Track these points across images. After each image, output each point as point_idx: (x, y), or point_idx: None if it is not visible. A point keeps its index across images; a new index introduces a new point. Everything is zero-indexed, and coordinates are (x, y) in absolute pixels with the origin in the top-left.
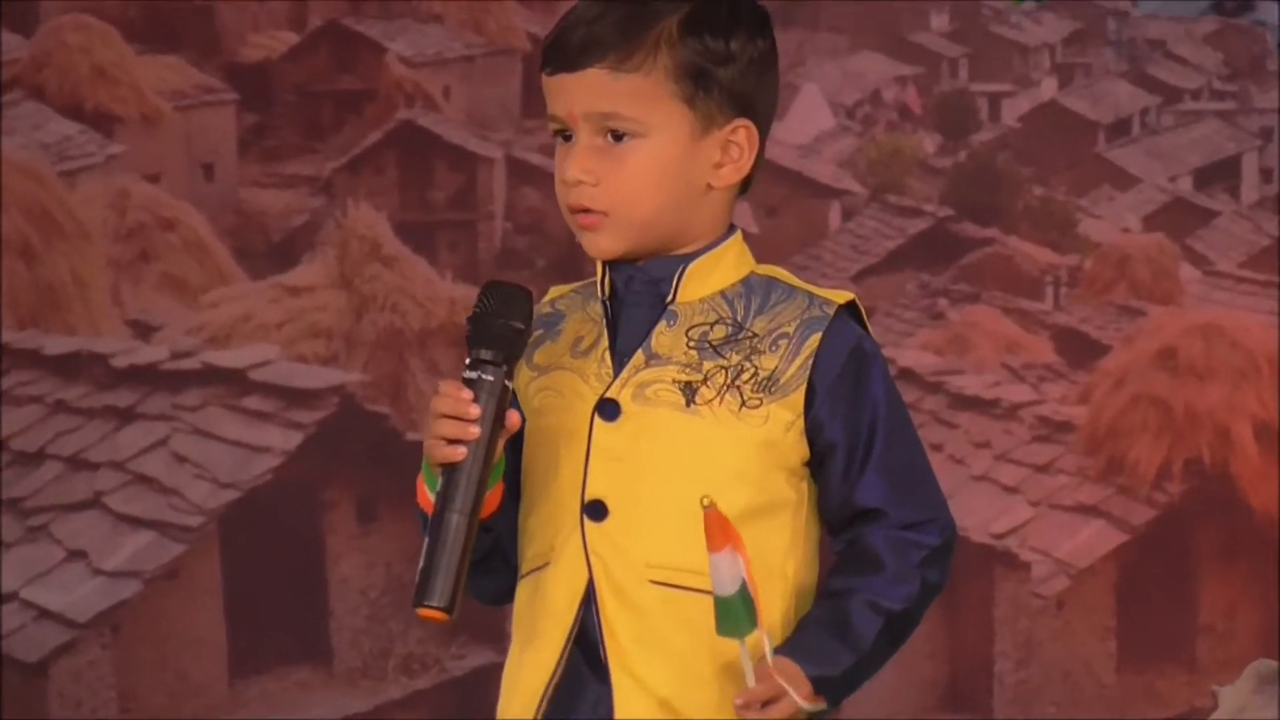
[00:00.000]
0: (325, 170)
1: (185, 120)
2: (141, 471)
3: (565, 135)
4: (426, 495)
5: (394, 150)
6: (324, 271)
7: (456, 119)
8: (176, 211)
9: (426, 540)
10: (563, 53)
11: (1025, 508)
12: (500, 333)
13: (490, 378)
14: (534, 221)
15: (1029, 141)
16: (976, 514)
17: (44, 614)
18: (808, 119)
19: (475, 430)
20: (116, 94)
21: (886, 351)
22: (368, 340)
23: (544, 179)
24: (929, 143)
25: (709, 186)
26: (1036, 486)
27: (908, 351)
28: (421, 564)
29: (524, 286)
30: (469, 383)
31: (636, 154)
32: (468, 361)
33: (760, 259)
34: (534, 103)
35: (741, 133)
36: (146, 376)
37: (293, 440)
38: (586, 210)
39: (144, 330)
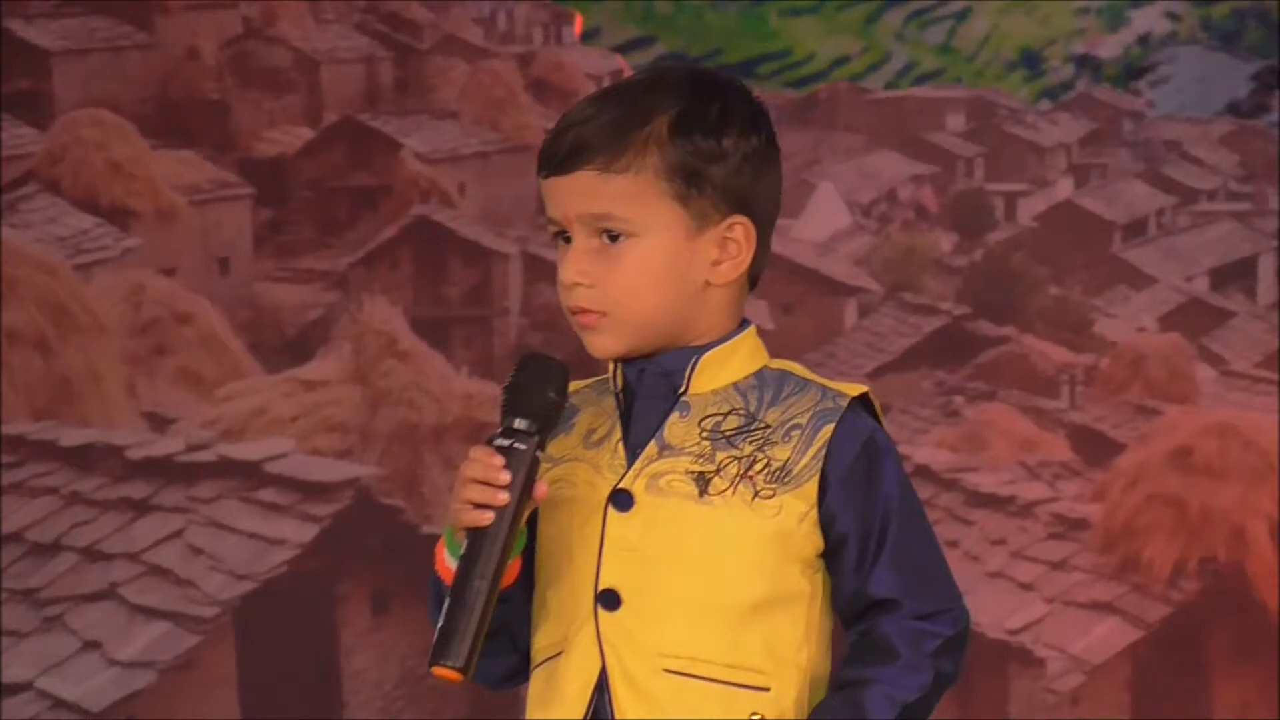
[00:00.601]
0: (340, 265)
1: (201, 215)
2: (157, 563)
3: (565, 237)
4: (445, 561)
5: (409, 245)
6: (339, 366)
7: (472, 215)
8: (192, 305)
9: (448, 602)
10: (554, 156)
11: (1040, 604)
12: (536, 404)
13: (523, 446)
14: (549, 317)
15: (1045, 241)
16: (991, 610)
17: (59, 703)
18: (824, 217)
19: (504, 497)
20: (132, 188)
21: (902, 448)
22: (383, 434)
23: None
24: (945, 241)
25: (707, 283)
26: (1051, 583)
27: (923, 449)
28: (441, 624)
29: (560, 361)
30: (500, 450)
31: (631, 254)
32: (500, 430)
33: (776, 355)
34: None
35: (738, 229)
36: (162, 469)
37: (308, 533)
38: (584, 311)
39: (159, 423)
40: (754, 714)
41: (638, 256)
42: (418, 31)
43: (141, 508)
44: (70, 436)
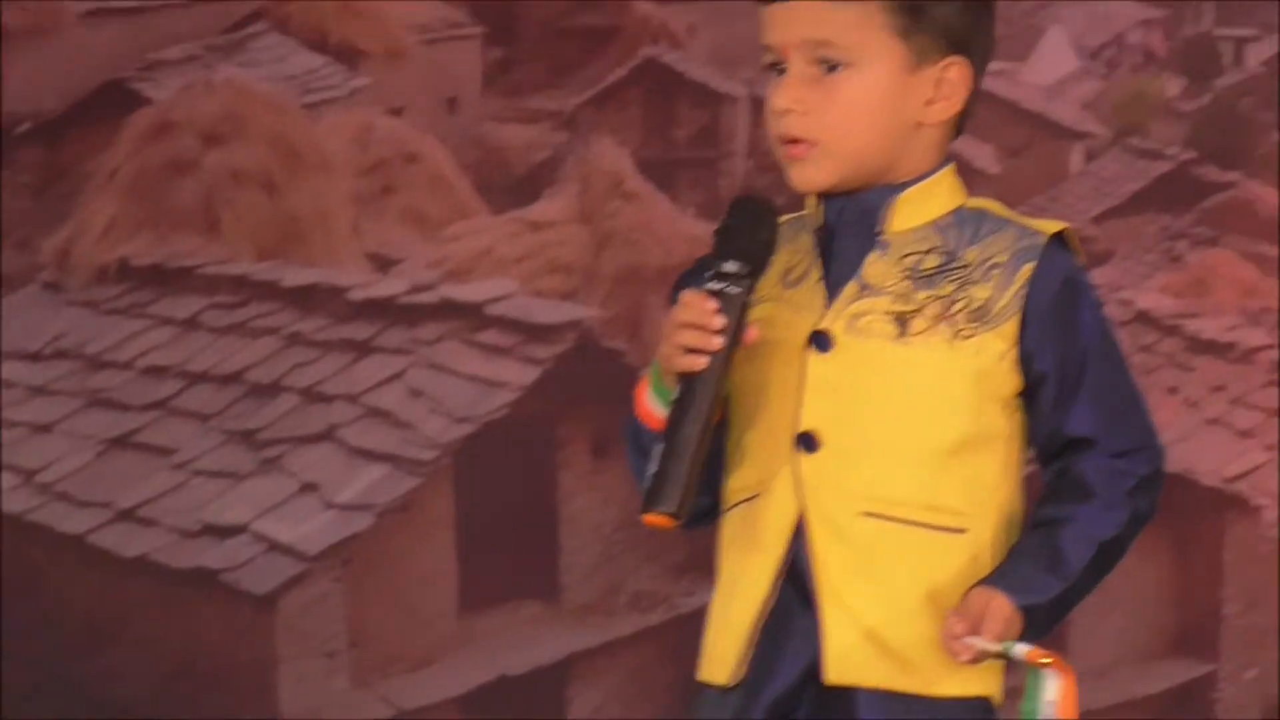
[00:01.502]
0: (569, 106)
1: (430, 54)
2: (376, 405)
3: (779, 69)
4: (649, 405)
5: (638, 87)
6: (565, 207)
7: (701, 57)
8: (419, 145)
9: (661, 448)
10: None
11: (1259, 452)
12: (747, 246)
13: (735, 290)
14: (776, 161)
15: (1273, 86)
16: (1210, 458)
17: (274, 546)
18: (1052, 61)
19: (718, 341)
20: (361, 28)
21: (1125, 294)
22: (607, 276)
23: None
24: (1173, 86)
25: (919, 123)
26: (1270, 431)
27: (1146, 294)
28: (654, 469)
29: (771, 203)
30: (712, 294)
31: (848, 85)
32: (710, 273)
33: (1002, 200)
34: None
35: (954, 70)
36: (384, 310)
37: (529, 376)
38: (795, 140)
39: (384, 263)
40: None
41: (855, 87)
42: None
43: (363, 349)
44: (294, 276)
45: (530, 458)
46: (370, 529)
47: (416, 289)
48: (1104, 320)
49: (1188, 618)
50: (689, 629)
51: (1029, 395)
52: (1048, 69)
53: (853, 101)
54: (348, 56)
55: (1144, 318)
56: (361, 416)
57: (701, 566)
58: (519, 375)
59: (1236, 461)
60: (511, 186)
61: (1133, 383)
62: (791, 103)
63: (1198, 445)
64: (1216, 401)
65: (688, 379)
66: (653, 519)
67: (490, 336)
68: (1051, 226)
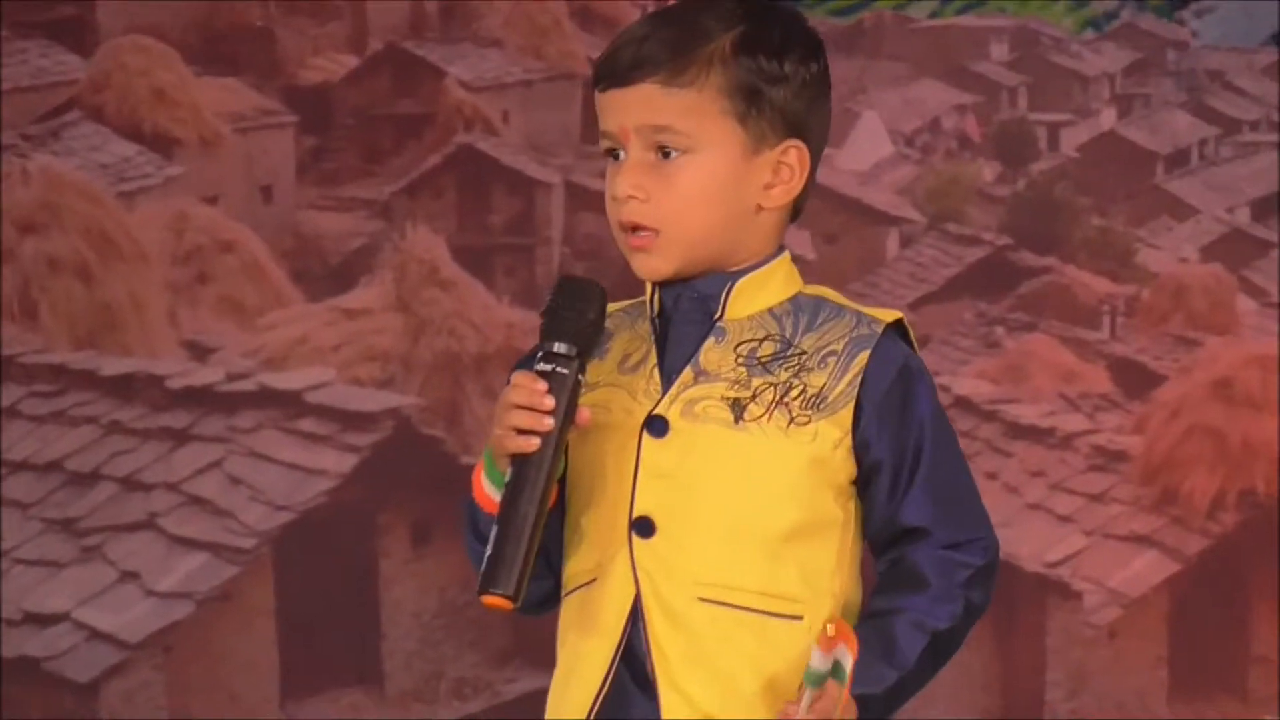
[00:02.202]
0: (384, 193)
1: (244, 142)
2: (196, 493)
3: (615, 154)
4: (485, 488)
5: (452, 174)
6: (381, 295)
7: (515, 143)
8: (234, 233)
9: (495, 530)
10: (616, 68)
11: (1079, 537)
12: (575, 326)
13: (564, 371)
14: (592, 247)
15: (1088, 171)
16: (1030, 543)
17: (96, 634)
18: (867, 146)
19: (549, 422)
20: (176, 116)
21: (943, 380)
22: (424, 364)
23: (602, 204)
24: (988, 171)
25: (759, 207)
26: (1090, 516)
27: (964, 380)
28: (489, 552)
29: (598, 282)
30: (543, 375)
31: (687, 170)
32: (540, 354)
33: (819, 285)
34: (593, 128)
35: (793, 154)
36: (202, 398)
37: (347, 463)
38: (637, 228)
39: (200, 352)
40: (827, 624)
41: (694, 173)
42: None
43: (181, 437)
44: (111, 365)
45: (350, 545)
46: (191, 617)
47: (233, 377)
48: (939, 409)
49: (1010, 704)
50: (511, 716)
51: (863, 483)
52: (863, 155)
53: (692, 187)
54: (162, 145)
55: (962, 403)
56: (181, 504)
57: (525, 653)
58: (337, 463)
59: (1057, 547)
60: (327, 274)
61: (967, 472)
62: (631, 189)
63: (1018, 531)
64: (1036, 487)
65: (520, 461)
66: (490, 601)
67: (308, 424)
68: (887, 315)
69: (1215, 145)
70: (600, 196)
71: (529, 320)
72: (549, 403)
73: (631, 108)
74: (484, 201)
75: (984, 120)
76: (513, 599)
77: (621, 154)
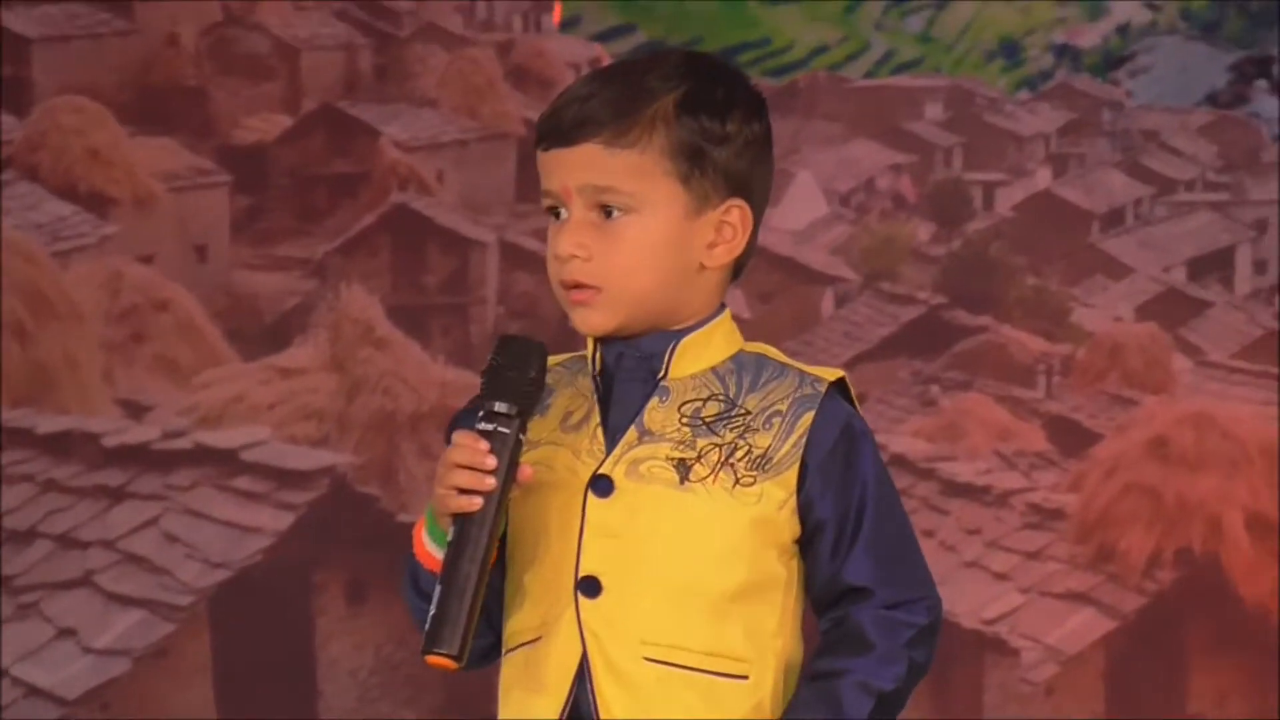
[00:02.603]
0: (318, 253)
1: (179, 202)
2: (132, 551)
3: (557, 213)
4: (426, 546)
5: (387, 234)
6: (316, 354)
7: (450, 203)
8: (169, 293)
9: (438, 590)
10: (559, 127)
11: (1015, 594)
12: (516, 385)
13: (506, 430)
14: (527, 306)
15: (1023, 230)
16: (967, 600)
17: (33, 691)
18: (802, 206)
19: (491, 481)
20: (110, 175)
21: (879, 438)
22: (359, 422)
23: (537, 263)
24: (923, 231)
25: (701, 266)
26: (1027, 573)
27: (900, 438)
28: (432, 611)
29: (539, 341)
30: (484, 434)
31: (629, 230)
32: (480, 414)
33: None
34: (528, 187)
35: (735, 213)
36: (138, 456)
37: (284, 521)
38: (579, 285)
39: (136, 410)
40: None
41: (637, 233)
42: (397, 19)
43: (117, 495)
44: (46, 424)
45: (286, 602)
46: (128, 674)
47: (169, 435)
48: (882, 468)
49: None
50: None
51: (806, 542)
52: (798, 214)
53: (635, 247)
54: (97, 204)
55: (898, 461)
56: (117, 562)
57: (459, 710)
58: (273, 521)
59: (994, 604)
60: (262, 333)
61: (911, 532)
62: (574, 248)
63: (955, 589)
64: (973, 544)
65: (463, 519)
66: (435, 660)
67: (244, 482)
68: (829, 374)
69: (1150, 204)
70: (535, 256)
71: (464, 379)
72: (491, 462)
73: (574, 167)
74: (419, 260)
75: (919, 180)
76: (457, 658)
77: (563, 212)
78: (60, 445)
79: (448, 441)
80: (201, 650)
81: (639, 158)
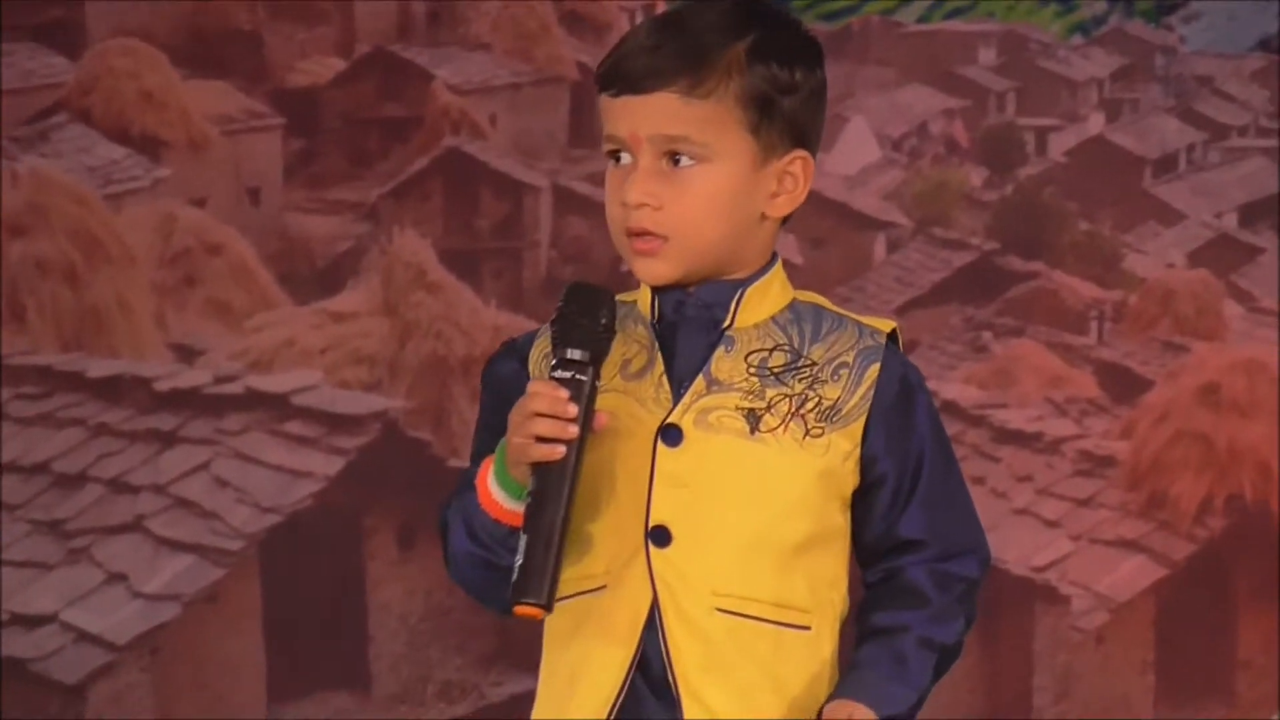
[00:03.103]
0: (371, 197)
1: (232, 145)
2: (183, 495)
3: (618, 157)
4: (494, 495)
5: (439, 178)
6: (368, 298)
7: (503, 147)
8: (222, 236)
9: (524, 539)
10: (630, 75)
11: (1066, 542)
12: (589, 333)
13: (582, 377)
14: (579, 250)
15: (1075, 176)
16: (1017, 547)
17: (83, 636)
18: (854, 151)
19: (574, 429)
20: (163, 118)
21: (930, 384)
22: (411, 367)
23: (590, 208)
24: (975, 176)
25: (763, 216)
26: (1077, 521)
27: (951, 385)
28: (519, 561)
29: (608, 289)
30: (561, 382)
31: (700, 179)
32: (554, 361)
33: (806, 289)
34: (581, 132)
35: (798, 164)
36: (189, 401)
37: (334, 466)
38: (646, 234)
39: (187, 354)
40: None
41: (707, 182)
42: None
43: (168, 440)
44: (98, 367)
45: (337, 548)
46: (178, 619)
47: (221, 380)
48: (937, 421)
49: (997, 707)
50: (498, 718)
51: (862, 494)
52: (851, 159)
53: (706, 197)
54: (150, 147)
55: (949, 408)
56: (168, 507)
57: (510, 656)
58: (324, 465)
59: (1044, 551)
60: (314, 277)
61: (963, 484)
62: (645, 196)
63: (1005, 535)
64: (1023, 491)
65: (544, 469)
66: (523, 610)
67: (295, 427)
68: (885, 325)
69: (1203, 150)
70: (587, 200)
71: (516, 323)
72: (573, 410)
73: (647, 116)
74: (471, 205)
75: (971, 125)
76: (546, 607)
77: (626, 158)
78: (111, 389)
79: (482, 387)
80: (252, 595)
81: (714, 107)
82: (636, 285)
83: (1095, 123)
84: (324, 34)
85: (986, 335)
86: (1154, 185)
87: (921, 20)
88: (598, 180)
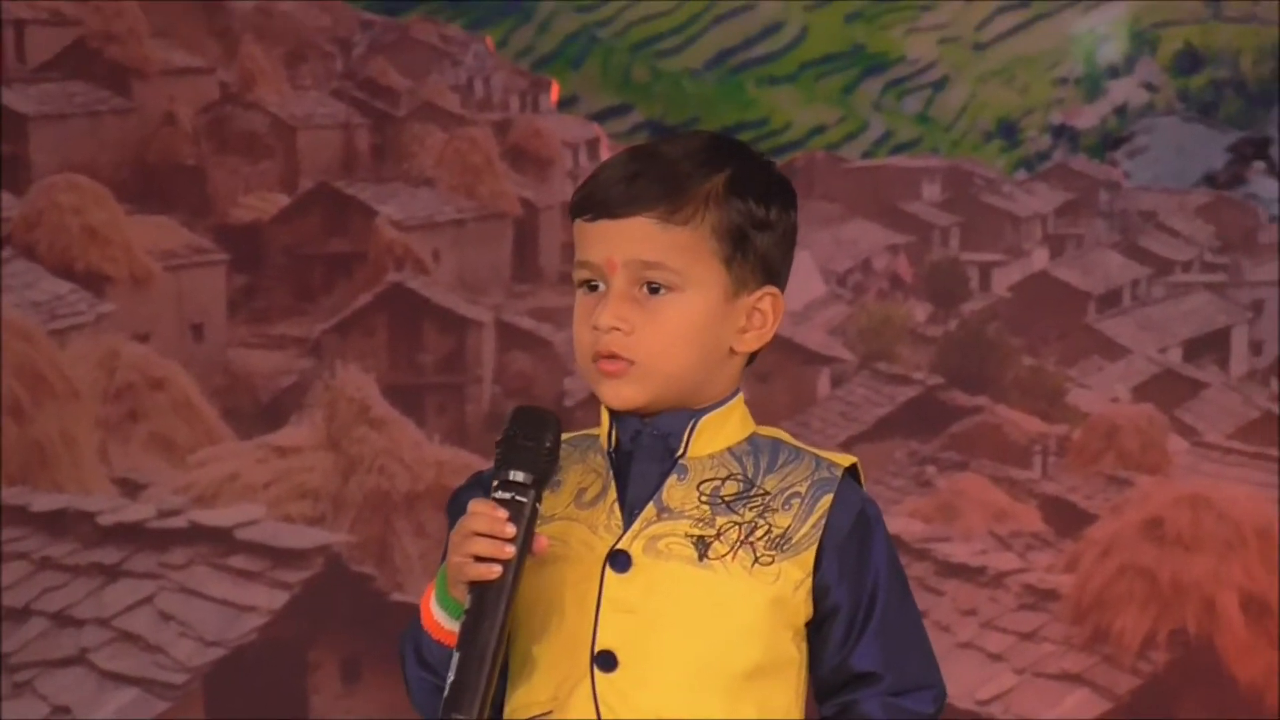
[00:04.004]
0: (314, 332)
1: (176, 280)
2: (127, 629)
3: (591, 285)
4: (435, 617)
5: (383, 313)
6: (312, 433)
7: (446, 283)
8: (165, 371)
9: (457, 656)
10: (607, 202)
11: (1010, 675)
12: (532, 455)
13: (523, 499)
14: (523, 385)
15: (1019, 311)
16: (962, 681)
17: None
18: (800, 286)
19: (511, 549)
20: (107, 254)
21: None
22: (354, 502)
23: (533, 343)
24: (919, 311)
25: (731, 350)
26: (1021, 654)
27: (896, 519)
28: (451, 678)
29: (553, 413)
30: (501, 503)
31: (672, 307)
32: (496, 483)
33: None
34: (524, 267)
35: (768, 300)
36: (133, 534)
37: (278, 600)
38: (613, 357)
39: (131, 489)
40: None
41: (679, 311)
42: (395, 98)
43: (112, 573)
44: (42, 502)
45: (281, 682)
46: None
47: (164, 514)
48: (894, 555)
49: None
50: None
51: (817, 626)
52: (796, 294)
53: (677, 325)
54: (94, 283)
55: (894, 541)
56: (112, 640)
57: None
58: (268, 599)
59: (988, 684)
60: (258, 412)
61: (918, 619)
62: (617, 320)
63: (950, 668)
64: (967, 625)
65: (481, 588)
66: None
67: (239, 561)
68: (844, 460)
69: (1147, 285)
70: (530, 336)
71: (459, 458)
72: (510, 530)
73: (623, 240)
74: (415, 340)
75: (916, 260)
76: None
77: (601, 285)
78: (56, 523)
79: (448, 517)
80: None
81: (690, 235)
82: (585, 422)
83: (1039, 258)
84: (268, 169)
85: (930, 469)
86: (1098, 320)
87: (866, 156)
88: (541, 315)
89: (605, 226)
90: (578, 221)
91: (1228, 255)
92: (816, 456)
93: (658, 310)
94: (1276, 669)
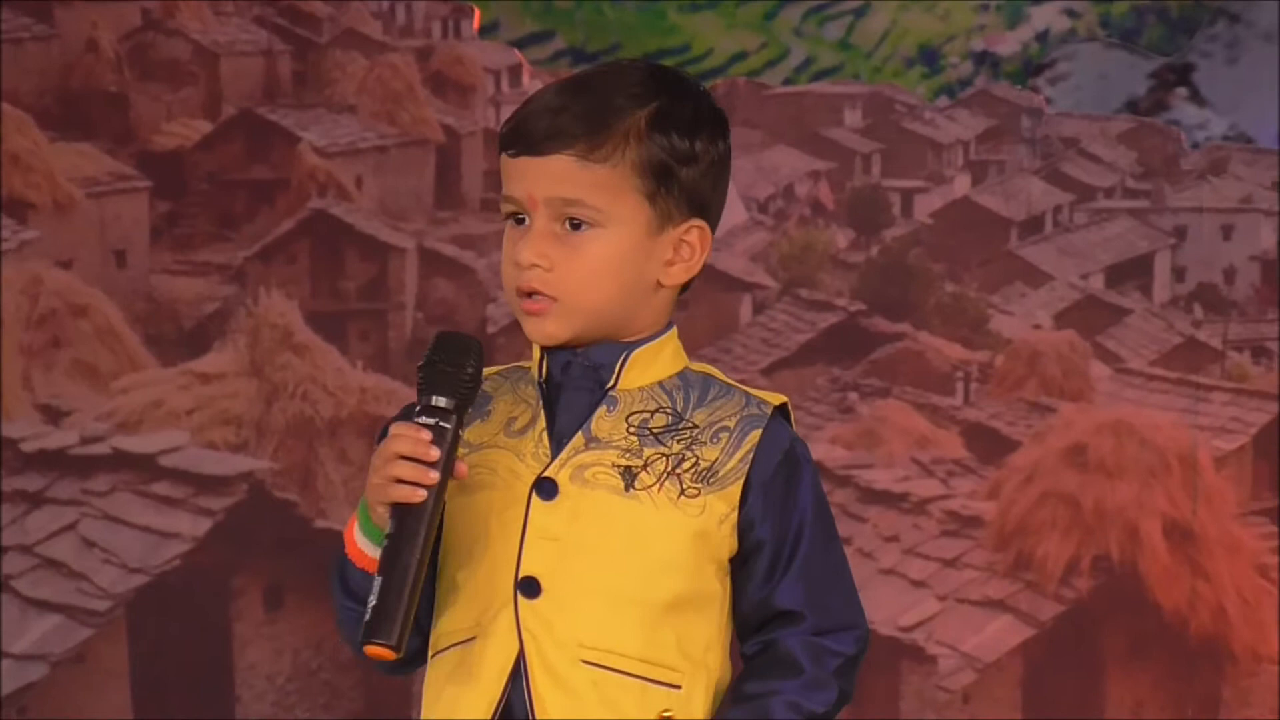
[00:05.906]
0: (237, 258)
1: (98, 207)
2: (50, 556)
3: (518, 218)
4: (359, 544)
5: (306, 239)
6: (235, 359)
7: (369, 209)
8: (88, 298)
9: (378, 582)
10: (529, 136)
11: (933, 601)
12: (454, 380)
13: (445, 425)
14: (445, 312)
15: (941, 237)
16: (884, 607)
17: None
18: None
19: (434, 474)
20: (30, 180)
21: None
22: (277, 428)
23: (456, 270)
24: (841, 238)
25: (658, 283)
26: (944, 581)
27: (818, 445)
28: (372, 603)
29: (475, 339)
30: (425, 428)
31: (593, 244)
32: (419, 408)
33: None
34: (446, 194)
35: (695, 233)
36: (56, 461)
37: (201, 526)
38: (536, 294)
39: (54, 415)
40: (665, 711)
41: (600, 247)
42: (317, 25)
43: (35, 500)
44: None
45: (204, 608)
46: (45, 679)
47: (87, 440)
48: (821, 495)
49: None
50: None
51: (741, 562)
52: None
53: (597, 261)
54: (17, 210)
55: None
56: (35, 567)
57: (378, 716)
58: (191, 526)
59: (911, 611)
60: (181, 339)
61: (844, 560)
62: (536, 257)
63: (872, 595)
64: (890, 551)
65: (403, 512)
66: (373, 650)
67: (162, 488)
68: (774, 398)
69: (1069, 211)
70: (453, 262)
71: (382, 385)
72: (435, 453)
73: (543, 178)
74: (337, 266)
75: (837, 187)
76: (395, 649)
77: (526, 219)
78: None
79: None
80: (119, 655)
81: (610, 173)
82: (507, 349)
83: (961, 184)
84: (190, 95)
85: (853, 396)
86: (1020, 247)
87: (787, 82)
88: (464, 242)
89: (527, 163)
90: (503, 155)
91: (1150, 181)
92: (747, 394)
93: (578, 246)
94: (1198, 594)
